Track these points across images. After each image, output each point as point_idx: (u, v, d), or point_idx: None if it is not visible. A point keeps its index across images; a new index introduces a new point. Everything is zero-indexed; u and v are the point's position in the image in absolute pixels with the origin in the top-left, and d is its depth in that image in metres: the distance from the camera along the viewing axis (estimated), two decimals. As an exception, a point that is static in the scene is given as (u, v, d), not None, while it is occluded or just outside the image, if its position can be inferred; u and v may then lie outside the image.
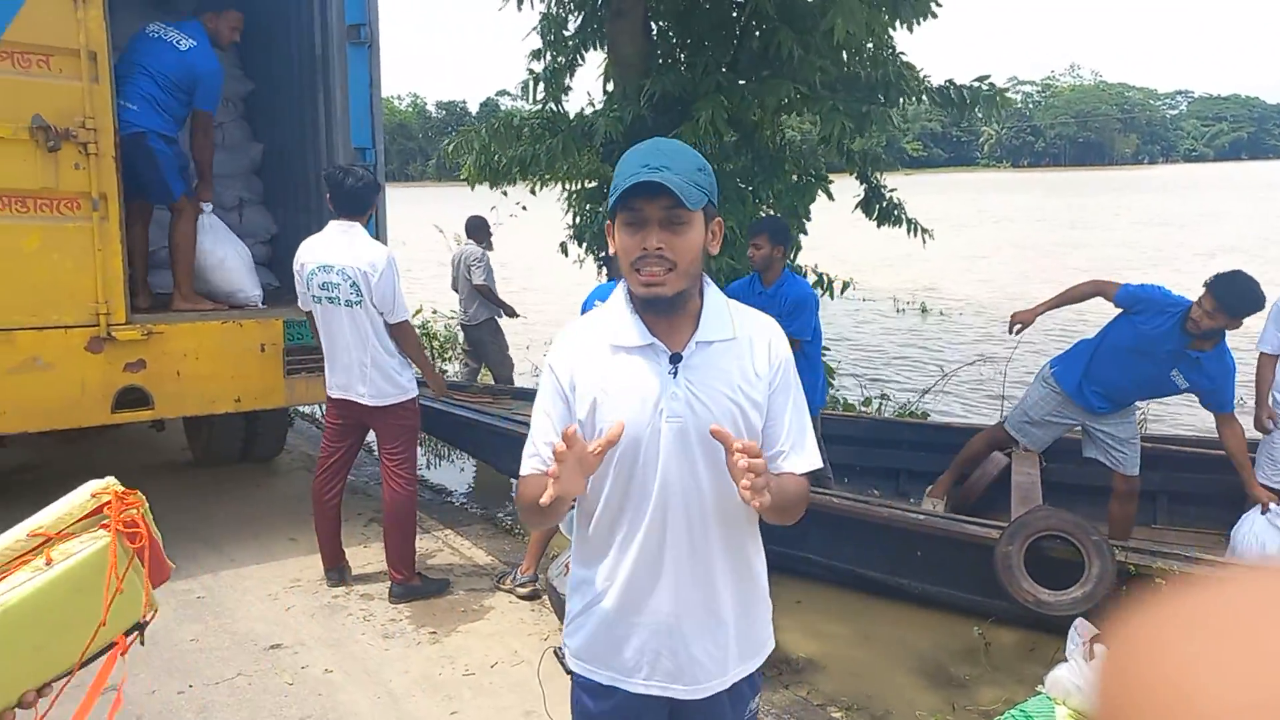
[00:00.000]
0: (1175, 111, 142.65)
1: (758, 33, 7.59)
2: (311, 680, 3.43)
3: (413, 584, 4.13)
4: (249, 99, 6.55)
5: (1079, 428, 4.62)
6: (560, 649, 1.80)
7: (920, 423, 6.16)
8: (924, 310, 14.35)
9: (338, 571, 4.25)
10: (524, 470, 1.67)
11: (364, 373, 3.94)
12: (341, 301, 3.90)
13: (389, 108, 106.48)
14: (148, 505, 1.45)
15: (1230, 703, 0.32)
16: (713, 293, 1.67)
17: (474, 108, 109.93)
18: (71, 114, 4.09)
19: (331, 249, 3.92)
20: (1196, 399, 4.42)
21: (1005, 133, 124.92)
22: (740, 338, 1.65)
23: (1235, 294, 4.03)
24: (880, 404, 7.77)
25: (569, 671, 1.78)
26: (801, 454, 1.67)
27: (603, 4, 7.72)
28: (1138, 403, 4.66)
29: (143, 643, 1.48)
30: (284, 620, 3.89)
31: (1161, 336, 4.22)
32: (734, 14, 7.76)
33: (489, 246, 8.13)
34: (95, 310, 4.17)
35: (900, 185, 8.77)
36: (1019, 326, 4.54)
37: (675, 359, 1.60)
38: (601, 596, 1.68)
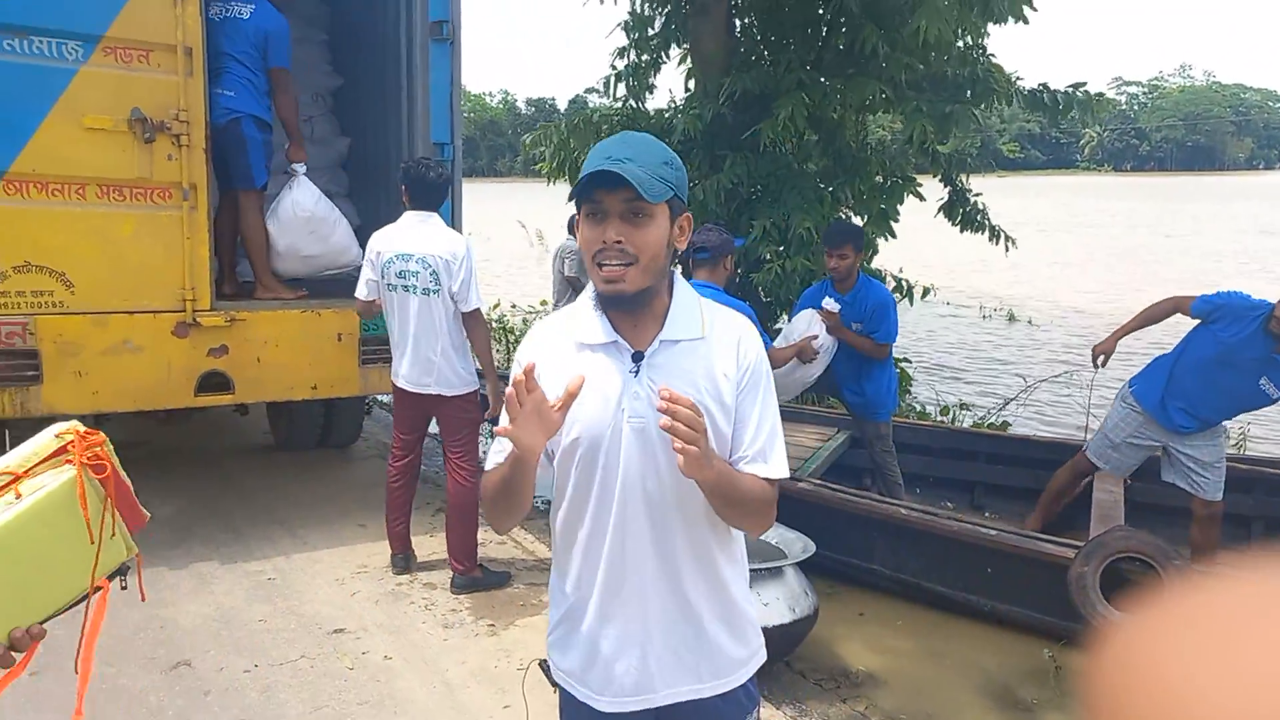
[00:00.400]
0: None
1: (843, 30, 7.46)
2: (371, 666, 3.49)
3: (474, 575, 4.18)
4: (337, 94, 6.73)
5: (1162, 449, 4.40)
6: (546, 661, 1.75)
7: (998, 435, 5.95)
8: (1011, 318, 13.91)
9: (403, 558, 4.33)
10: (488, 464, 1.64)
11: (432, 362, 4.00)
12: (418, 290, 3.96)
13: (481, 104, 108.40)
14: (112, 447, 1.44)
15: (1229, 703, 0.32)
16: (683, 290, 1.62)
17: (563, 105, 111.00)
18: (167, 107, 4.26)
19: (409, 238, 3.99)
20: None
21: (1108, 135, 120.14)
22: (709, 337, 1.59)
23: None
24: (957, 414, 7.55)
25: (554, 684, 1.73)
26: (767, 461, 1.58)
27: (686, 1, 7.68)
28: (1226, 422, 4.38)
29: (124, 586, 1.48)
30: (349, 605, 3.98)
31: (1243, 344, 4.01)
32: (820, 10, 7.64)
33: None
34: (182, 296, 4.33)
35: (994, 188, 8.49)
36: (1102, 357, 4.42)
37: (637, 357, 1.56)
38: (572, 603, 1.64)
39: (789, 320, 8.00)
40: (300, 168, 4.97)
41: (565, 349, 1.60)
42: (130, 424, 6.10)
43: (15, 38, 3.96)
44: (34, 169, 4.02)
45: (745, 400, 1.58)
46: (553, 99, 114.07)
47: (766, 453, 1.59)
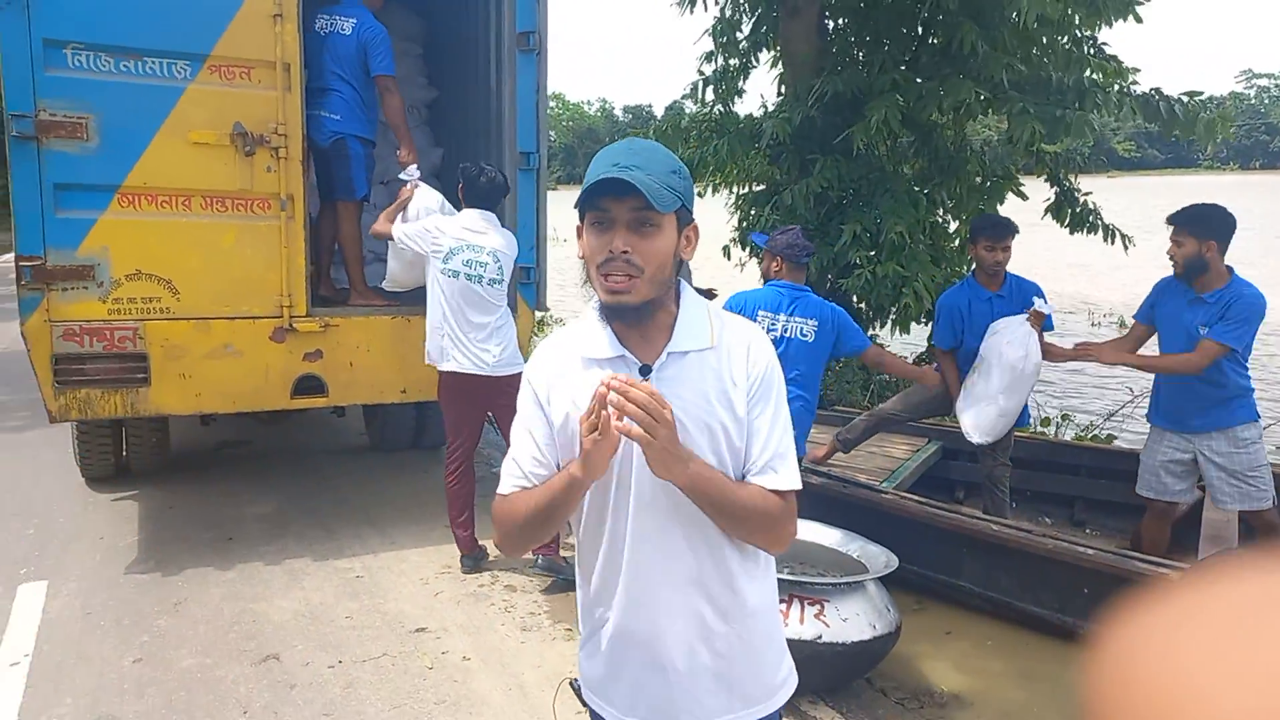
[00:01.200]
0: None
1: (940, 28, 7.25)
2: (450, 666, 3.55)
3: (557, 562, 4.23)
4: (431, 106, 6.90)
5: (1199, 465, 4.10)
6: (576, 680, 1.74)
7: (1100, 447, 5.66)
8: (1122, 324, 13.25)
9: (471, 559, 4.41)
10: (504, 488, 1.56)
11: (491, 345, 4.25)
12: (485, 280, 4.26)
13: (579, 113, 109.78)
14: None
15: (1229, 701, 0.32)
16: (690, 300, 1.57)
17: (659, 111, 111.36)
18: (266, 121, 4.44)
19: (477, 232, 4.29)
20: None
21: (1235, 132, 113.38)
22: (720, 346, 1.53)
23: (1191, 214, 3.98)
24: (1059, 426, 7.23)
25: (584, 703, 1.70)
26: (778, 473, 1.52)
27: (777, 3, 7.60)
28: (1246, 427, 4.00)
29: None
30: (431, 605, 4.06)
31: (1167, 302, 4.08)
32: (915, 8, 7.45)
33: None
34: (280, 303, 4.51)
35: (1105, 188, 8.14)
36: (1084, 359, 4.44)
37: (645, 370, 1.51)
38: (598, 621, 1.60)
39: (882, 326, 7.84)
40: (414, 170, 4.97)
41: (572, 365, 1.56)
42: (234, 424, 6.42)
43: (130, 59, 4.19)
44: (145, 182, 4.24)
45: (755, 409, 1.53)
46: (649, 105, 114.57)
47: (776, 463, 1.53)
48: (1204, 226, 3.91)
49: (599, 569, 1.58)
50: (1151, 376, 4.37)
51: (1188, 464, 4.13)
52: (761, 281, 4.21)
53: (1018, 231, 4.58)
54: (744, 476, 1.54)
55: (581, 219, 1.50)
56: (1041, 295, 4.48)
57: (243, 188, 4.43)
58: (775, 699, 1.61)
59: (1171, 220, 3.99)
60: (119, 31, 4.13)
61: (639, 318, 1.50)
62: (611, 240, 1.45)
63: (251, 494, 5.44)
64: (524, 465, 1.55)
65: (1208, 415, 4.02)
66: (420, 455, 6.32)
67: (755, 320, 3.86)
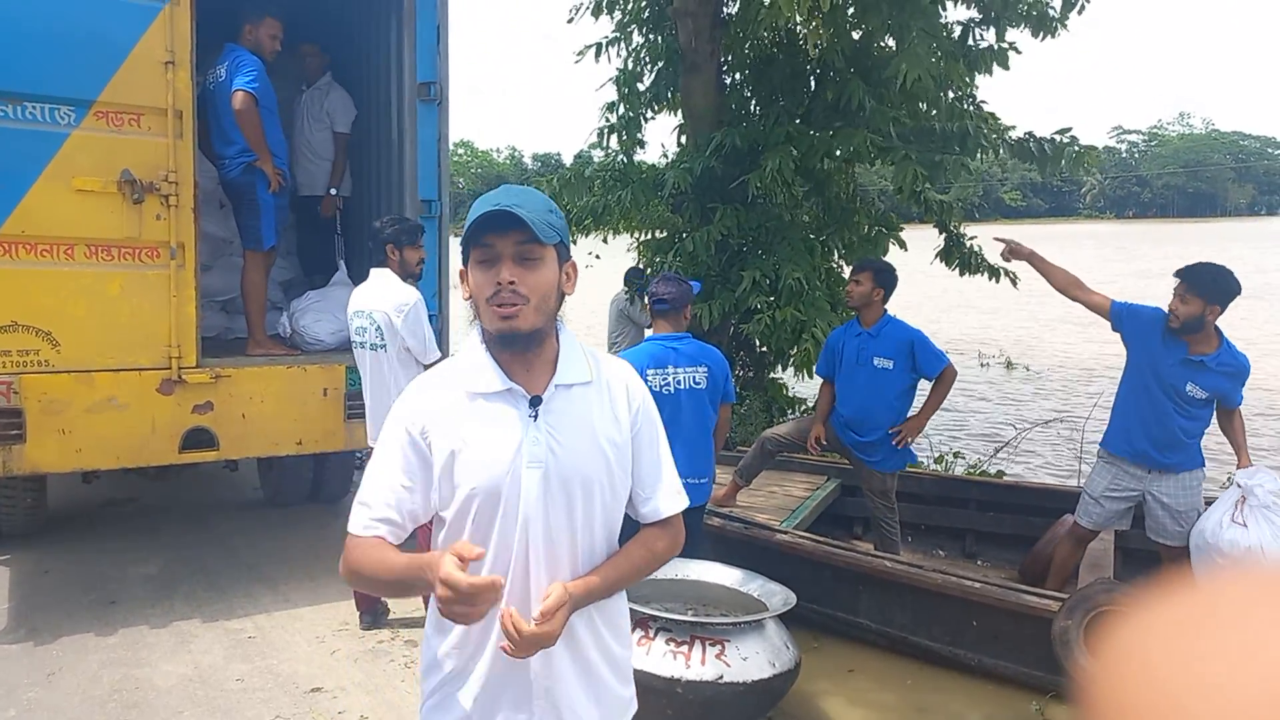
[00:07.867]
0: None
1: (831, 84, 7.58)
2: (346, 725, 3.45)
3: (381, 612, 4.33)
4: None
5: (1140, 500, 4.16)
6: None
7: (990, 481, 5.90)
8: (1009, 365, 13.89)
9: (371, 615, 4.28)
10: (356, 527, 1.56)
11: (382, 418, 4.04)
12: (368, 346, 4.07)
13: (487, 160, 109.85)
14: None
15: (1237, 695, 0.32)
16: (568, 336, 1.64)
17: (568, 159, 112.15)
18: (156, 168, 4.34)
19: (364, 294, 4.13)
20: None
21: (1109, 183, 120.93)
22: (598, 381, 1.62)
23: (1202, 276, 3.86)
24: (950, 461, 7.51)
25: None
26: (671, 495, 1.67)
27: (677, 59, 7.84)
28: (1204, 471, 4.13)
29: None
30: (328, 663, 3.94)
31: (1158, 350, 3.99)
32: (807, 66, 7.78)
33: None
34: (168, 354, 4.37)
35: (994, 235, 8.65)
36: (1007, 250, 4.37)
37: (535, 402, 1.56)
38: (456, 667, 1.59)
39: (783, 369, 8.05)
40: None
41: (456, 401, 1.57)
42: (119, 481, 6.13)
43: (9, 104, 4.05)
44: (23, 230, 4.08)
45: (640, 441, 1.64)
46: (558, 153, 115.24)
47: (666, 491, 1.67)
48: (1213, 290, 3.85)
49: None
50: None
51: (1130, 499, 4.13)
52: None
53: (869, 269, 4.63)
54: (634, 503, 1.65)
55: (466, 260, 1.55)
56: (920, 340, 4.57)
57: (130, 236, 4.30)
58: (630, 710, 1.70)
59: (1181, 276, 3.94)
60: (-4, 75, 4.00)
61: (527, 346, 1.54)
62: (498, 273, 1.50)
63: (136, 554, 5.19)
64: (378, 509, 1.55)
65: (1172, 455, 4.03)
66: (317, 509, 6.14)
67: (645, 380, 3.85)
